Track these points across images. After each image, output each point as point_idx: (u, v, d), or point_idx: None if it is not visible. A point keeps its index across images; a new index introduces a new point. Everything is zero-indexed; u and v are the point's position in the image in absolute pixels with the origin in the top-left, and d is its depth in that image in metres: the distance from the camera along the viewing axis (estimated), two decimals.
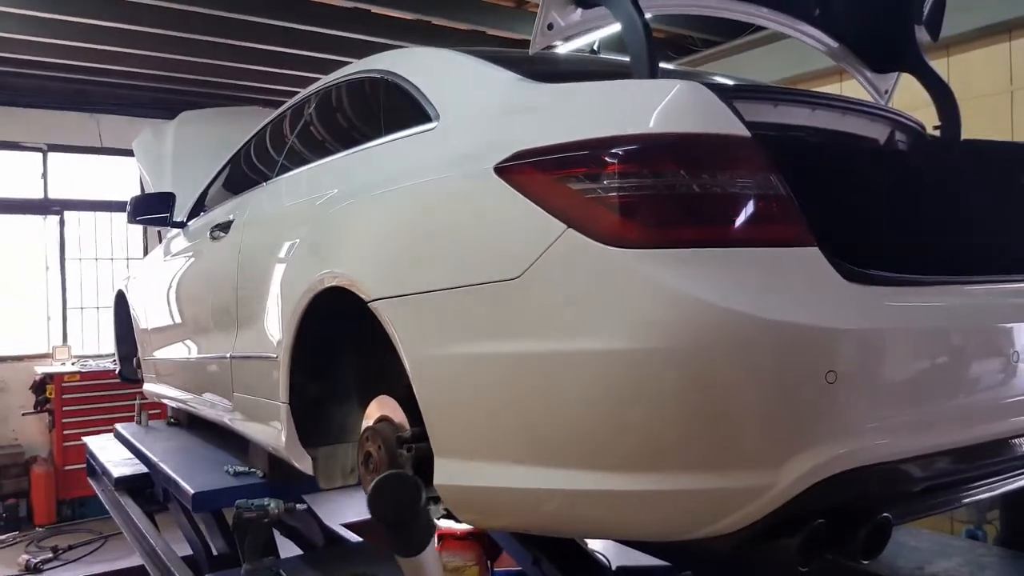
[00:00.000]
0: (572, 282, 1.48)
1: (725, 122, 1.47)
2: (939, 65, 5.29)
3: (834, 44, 2.66)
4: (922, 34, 2.62)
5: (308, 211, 2.44)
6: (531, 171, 1.60)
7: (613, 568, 3.01)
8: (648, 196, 1.44)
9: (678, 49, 6.87)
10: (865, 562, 1.40)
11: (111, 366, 7.37)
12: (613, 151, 1.48)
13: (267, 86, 7.47)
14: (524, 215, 1.57)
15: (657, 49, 1.73)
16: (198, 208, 4.00)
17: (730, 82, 2.34)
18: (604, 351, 1.42)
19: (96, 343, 8.10)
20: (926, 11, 2.62)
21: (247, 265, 2.89)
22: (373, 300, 1.94)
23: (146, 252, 8.07)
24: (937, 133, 2.56)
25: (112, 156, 7.96)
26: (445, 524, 2.19)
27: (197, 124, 5.44)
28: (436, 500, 1.91)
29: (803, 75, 5.69)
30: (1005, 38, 4.99)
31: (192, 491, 2.84)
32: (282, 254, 2.54)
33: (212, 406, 3.40)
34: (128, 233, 8.20)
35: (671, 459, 1.38)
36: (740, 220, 1.43)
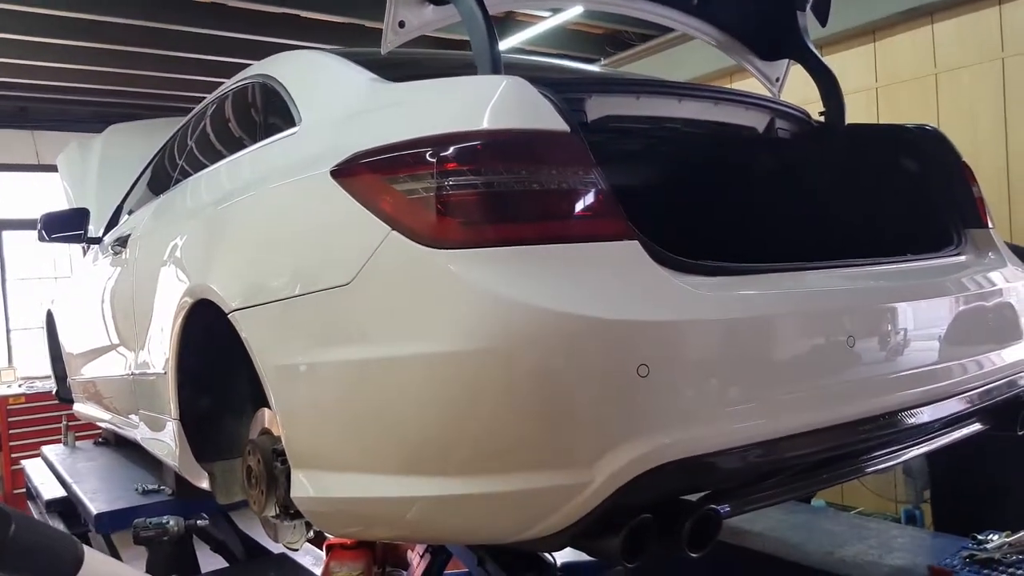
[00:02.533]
0: (397, 286, 1.46)
1: (542, 117, 1.45)
2: (866, 50, 5.39)
3: (720, 35, 2.65)
4: (806, 20, 2.61)
5: (183, 223, 2.41)
6: (362, 173, 1.57)
7: (558, 565, 3.00)
8: (464, 195, 1.42)
9: (616, 44, 6.88)
10: (694, 554, 1.38)
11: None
12: (432, 150, 1.45)
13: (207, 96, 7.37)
14: (354, 219, 1.55)
15: (498, 41, 1.70)
16: (113, 223, 3.94)
17: (597, 76, 2.32)
18: (424, 355, 1.39)
19: (44, 364, 7.98)
20: None
21: (139, 280, 2.84)
22: (231, 311, 1.90)
23: None
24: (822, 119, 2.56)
25: (50, 173, 7.83)
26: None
27: (125, 136, 5.32)
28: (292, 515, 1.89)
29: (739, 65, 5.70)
30: (927, 21, 5.03)
31: (95, 511, 2.79)
32: (163, 268, 2.49)
33: (126, 424, 3.35)
34: (71, 251, 8.08)
35: (491, 461, 1.36)
36: (556, 216, 1.41)
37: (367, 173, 1.56)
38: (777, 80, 2.76)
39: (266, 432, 2.18)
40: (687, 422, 1.34)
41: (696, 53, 6.24)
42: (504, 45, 6.53)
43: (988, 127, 4.73)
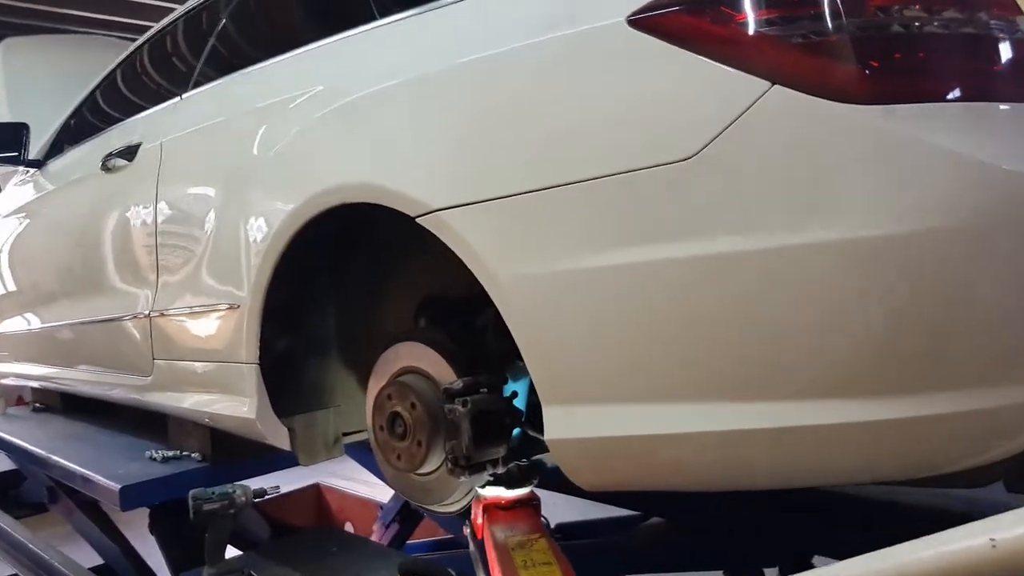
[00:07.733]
0: (786, 154, 1.12)
1: None
2: None
3: None
4: None
5: (285, 113, 1.89)
6: (692, 19, 1.21)
7: (552, 526, 2.75)
8: (887, 38, 1.11)
9: None
10: None
11: None
12: None
13: (81, 14, 6.44)
14: (692, 75, 1.19)
15: None
16: (59, 144, 3.25)
17: None
18: (853, 240, 1.07)
19: None
20: None
21: (174, 196, 2.28)
22: (431, 212, 1.47)
23: None
24: None
25: None
26: (491, 493, 1.79)
27: (29, 52, 4.66)
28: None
29: None
30: None
31: (118, 486, 2.23)
32: (243, 173, 1.98)
33: (111, 382, 2.74)
34: None
35: (950, 375, 1.07)
36: (1004, 67, 1.13)
37: (701, 19, 1.20)
38: None
39: (412, 371, 1.78)
40: None
41: None
42: None
43: None
